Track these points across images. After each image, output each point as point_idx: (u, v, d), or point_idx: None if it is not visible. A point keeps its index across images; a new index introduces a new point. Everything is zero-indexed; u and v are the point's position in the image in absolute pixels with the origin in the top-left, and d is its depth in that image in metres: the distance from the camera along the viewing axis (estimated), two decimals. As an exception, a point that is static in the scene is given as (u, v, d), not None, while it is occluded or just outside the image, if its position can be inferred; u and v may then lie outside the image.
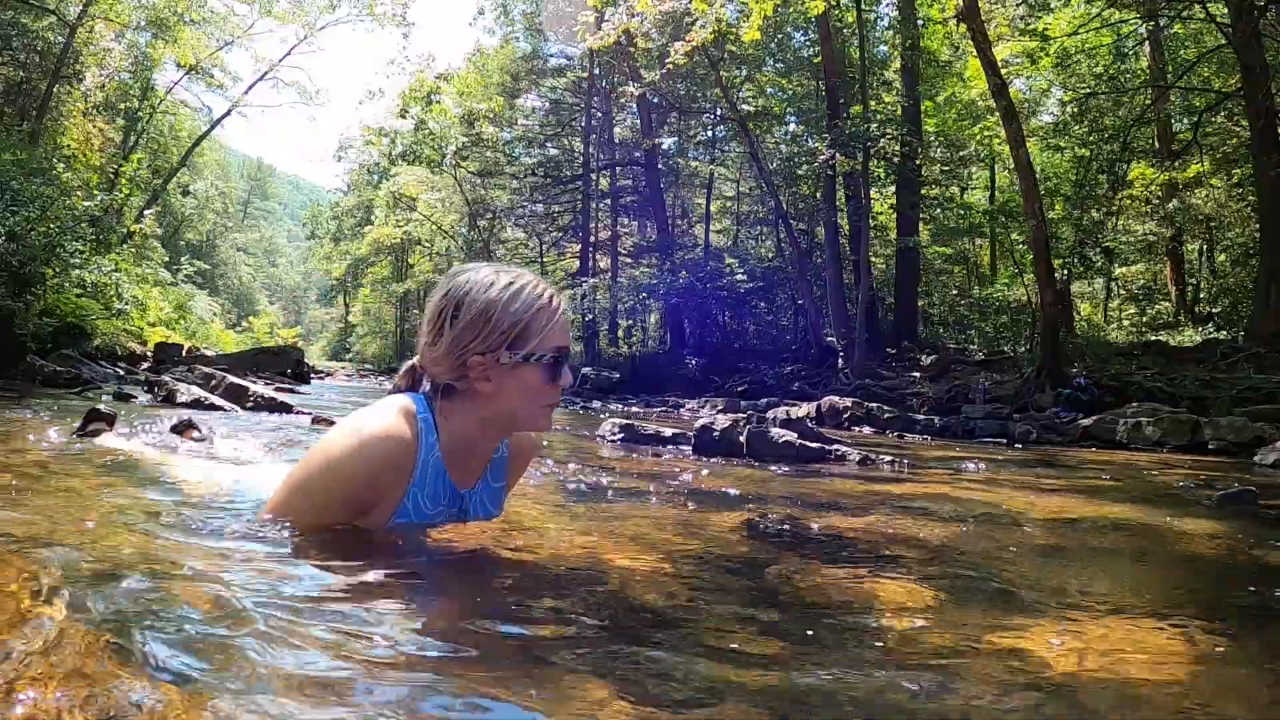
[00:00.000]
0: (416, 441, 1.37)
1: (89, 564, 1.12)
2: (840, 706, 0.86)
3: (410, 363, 1.50)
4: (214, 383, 6.06)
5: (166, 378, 6.41)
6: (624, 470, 3.19)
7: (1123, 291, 18.98)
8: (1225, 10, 11.47)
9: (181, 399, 5.39)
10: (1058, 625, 1.20)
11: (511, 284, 1.38)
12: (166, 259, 29.22)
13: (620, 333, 26.58)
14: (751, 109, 20.28)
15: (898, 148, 15.96)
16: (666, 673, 0.91)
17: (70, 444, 2.70)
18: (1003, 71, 11.42)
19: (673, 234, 24.04)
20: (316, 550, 1.33)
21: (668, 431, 4.69)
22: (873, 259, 18.16)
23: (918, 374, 14.09)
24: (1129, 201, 16.15)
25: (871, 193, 17.84)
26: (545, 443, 4.73)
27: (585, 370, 18.94)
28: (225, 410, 5.27)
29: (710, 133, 25.32)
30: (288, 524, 1.37)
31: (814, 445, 4.02)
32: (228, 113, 25.60)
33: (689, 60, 14.72)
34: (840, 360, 15.76)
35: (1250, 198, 13.85)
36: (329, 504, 1.35)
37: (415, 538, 1.52)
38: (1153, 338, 14.32)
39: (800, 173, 18.37)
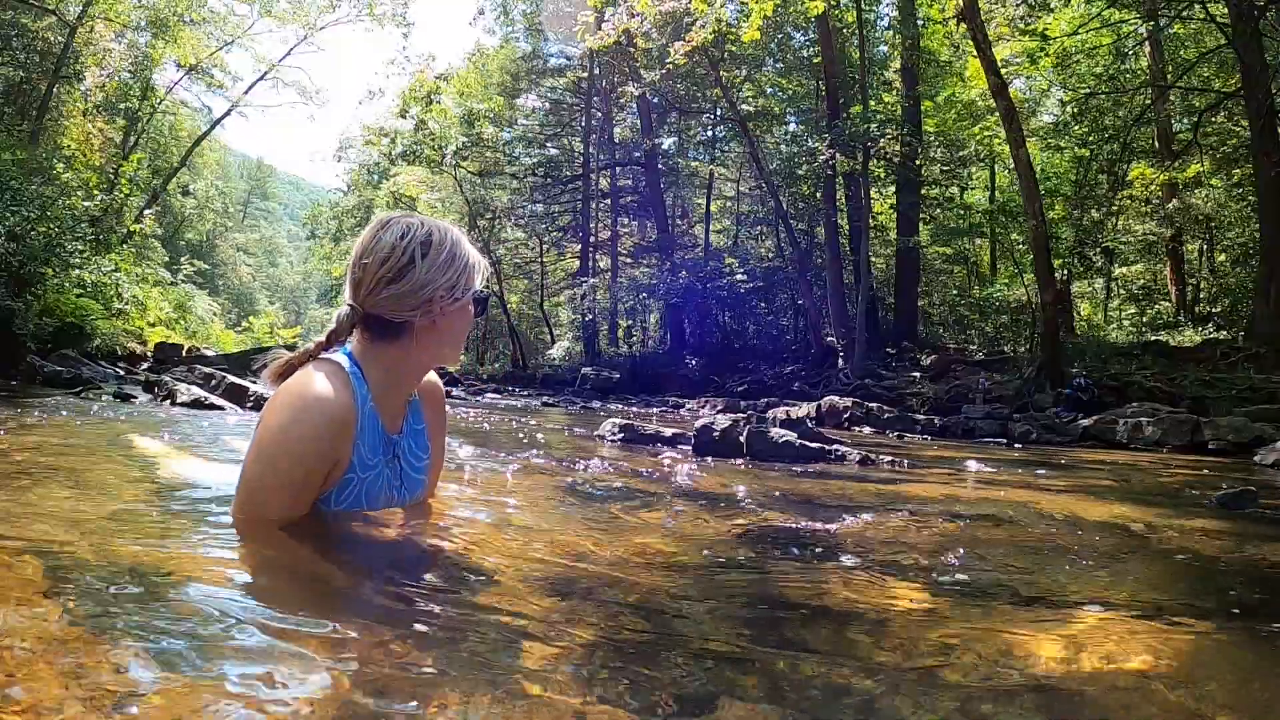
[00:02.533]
0: (353, 396, 1.41)
1: (82, 562, 1.12)
2: (839, 708, 0.86)
3: (339, 319, 1.45)
4: (214, 383, 6.06)
5: (166, 378, 6.42)
6: (623, 470, 3.19)
7: (1123, 291, 18.97)
8: (1225, 10, 11.45)
9: (181, 399, 5.39)
10: (1057, 625, 1.20)
11: (450, 235, 1.51)
12: (166, 259, 29.22)
13: (620, 333, 26.58)
14: (751, 109, 20.27)
15: (898, 148, 15.96)
16: (662, 675, 0.91)
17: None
18: (1003, 71, 11.41)
19: (673, 234, 24.04)
20: (294, 549, 1.33)
21: (668, 431, 4.69)
22: (873, 259, 18.15)
23: (918, 374, 14.08)
24: (1129, 201, 16.14)
25: (871, 193, 17.83)
26: (542, 439, 4.73)
27: (585, 370, 18.93)
28: (225, 410, 5.27)
29: (710, 133, 25.32)
30: (260, 516, 1.34)
31: (814, 445, 4.01)
32: (228, 113, 25.61)
33: (689, 60, 14.73)
34: (840, 360, 15.75)
35: (1250, 198, 13.84)
36: (294, 479, 1.34)
37: (407, 534, 1.52)
38: (1153, 338, 14.31)
39: (800, 173, 18.35)
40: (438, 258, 1.45)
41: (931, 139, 17.97)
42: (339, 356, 1.46)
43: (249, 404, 5.57)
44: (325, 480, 1.40)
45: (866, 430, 8.20)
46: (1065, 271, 14.52)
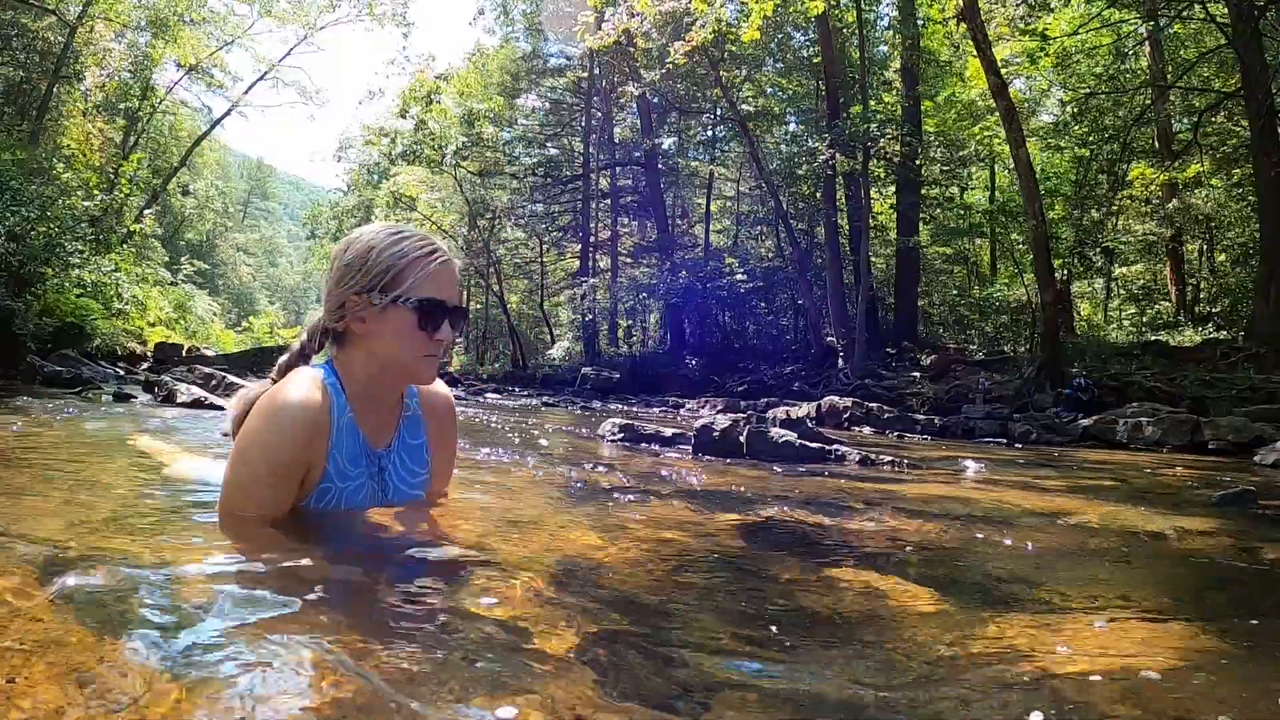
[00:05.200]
0: (327, 401, 1.44)
1: (81, 561, 1.12)
2: (838, 708, 0.86)
3: (309, 328, 1.54)
4: (214, 383, 6.06)
5: (166, 378, 6.42)
6: (623, 470, 3.19)
7: (1123, 291, 18.95)
8: (1225, 10, 11.45)
9: (181, 399, 5.40)
10: (1057, 625, 1.20)
11: (398, 232, 1.48)
12: (166, 259, 29.21)
13: (620, 333, 26.57)
14: (751, 109, 20.25)
15: (898, 148, 15.95)
16: (661, 674, 0.91)
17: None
18: (1003, 71, 11.39)
19: (673, 234, 24.03)
20: (294, 545, 1.34)
21: (668, 431, 4.69)
22: (873, 259, 18.14)
23: (918, 374, 14.07)
24: (1129, 201, 16.13)
25: (871, 193, 17.81)
26: (542, 439, 4.73)
27: (585, 370, 18.92)
28: (225, 410, 5.26)
29: (710, 133, 25.30)
30: (240, 515, 1.39)
31: (814, 445, 4.01)
32: (228, 113, 25.59)
33: (689, 60, 14.71)
34: (840, 360, 15.74)
35: (1250, 198, 13.83)
36: (267, 481, 1.39)
37: (408, 532, 1.52)
38: (1153, 338, 14.30)
39: (800, 173, 18.35)
40: (349, 258, 1.46)
41: (931, 139, 17.96)
42: (318, 368, 1.49)
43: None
44: (302, 484, 1.43)
45: (866, 430, 8.20)
46: (1065, 271, 14.51)
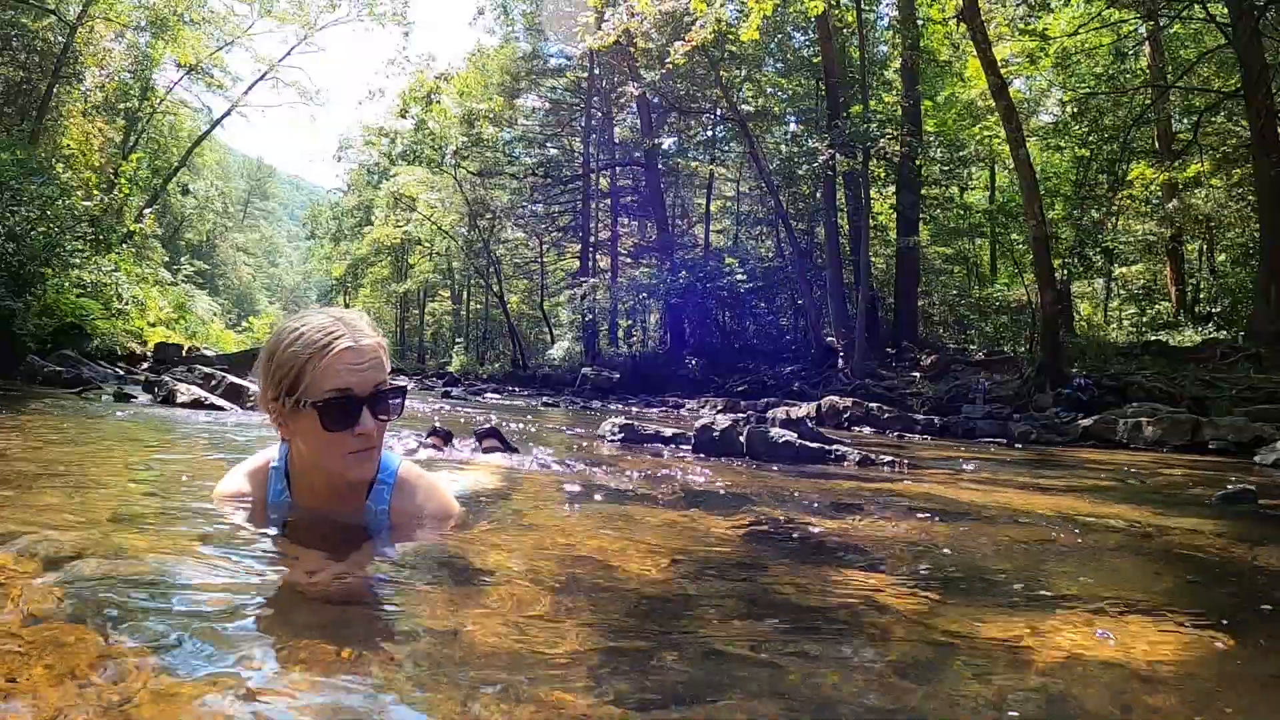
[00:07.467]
0: (260, 490, 1.52)
1: (81, 561, 1.12)
2: (836, 707, 0.86)
3: None
4: (214, 383, 6.05)
5: (166, 378, 6.41)
6: (623, 470, 3.19)
7: (1123, 291, 18.95)
8: (1225, 10, 11.45)
9: (181, 399, 5.39)
10: (1057, 625, 1.20)
11: (298, 329, 1.36)
12: (166, 259, 29.20)
13: (620, 333, 26.57)
14: (751, 109, 20.25)
15: (898, 148, 15.94)
16: (661, 673, 0.91)
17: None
18: (1003, 71, 11.40)
19: (673, 234, 24.02)
20: (292, 548, 1.34)
21: (667, 431, 4.68)
22: (873, 259, 18.13)
23: (918, 374, 14.07)
24: (1129, 201, 16.12)
25: (871, 193, 17.81)
26: (543, 439, 4.72)
27: (585, 370, 18.93)
28: (225, 410, 5.26)
29: (710, 133, 25.30)
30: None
31: (814, 445, 4.01)
32: (228, 113, 25.55)
33: (689, 60, 14.71)
34: (840, 360, 15.74)
35: (1250, 198, 13.83)
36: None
37: (410, 533, 1.52)
38: (1153, 338, 14.30)
39: (800, 173, 18.34)
40: (261, 363, 1.41)
41: (931, 139, 17.95)
42: (275, 452, 1.54)
43: (248, 404, 5.57)
44: None
45: (866, 430, 8.20)
46: (1065, 271, 14.50)
